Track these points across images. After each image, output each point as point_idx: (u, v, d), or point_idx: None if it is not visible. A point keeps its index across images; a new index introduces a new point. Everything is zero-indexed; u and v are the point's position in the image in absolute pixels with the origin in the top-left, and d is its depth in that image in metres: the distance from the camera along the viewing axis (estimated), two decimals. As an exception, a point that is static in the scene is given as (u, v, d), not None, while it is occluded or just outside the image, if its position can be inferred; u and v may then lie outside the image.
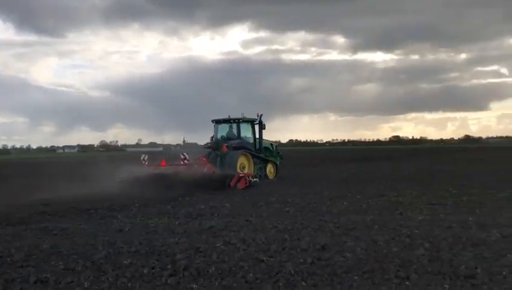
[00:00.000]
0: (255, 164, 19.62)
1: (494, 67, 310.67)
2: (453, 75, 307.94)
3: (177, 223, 9.57)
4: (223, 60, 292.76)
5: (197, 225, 9.31)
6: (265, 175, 20.33)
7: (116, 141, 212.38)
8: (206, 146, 20.02)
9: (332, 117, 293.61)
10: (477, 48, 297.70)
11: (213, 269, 6.02)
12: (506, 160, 36.62)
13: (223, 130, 20.44)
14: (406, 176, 21.24)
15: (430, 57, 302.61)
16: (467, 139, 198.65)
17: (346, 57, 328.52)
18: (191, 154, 18.02)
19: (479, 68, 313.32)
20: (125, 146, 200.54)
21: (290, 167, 27.98)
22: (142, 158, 18.33)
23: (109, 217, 10.59)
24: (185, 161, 17.44)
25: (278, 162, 21.84)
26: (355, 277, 5.62)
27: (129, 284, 5.56)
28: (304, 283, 5.45)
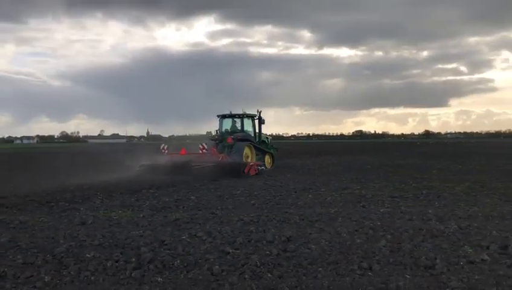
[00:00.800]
0: (256, 154, 21.59)
1: (454, 65, 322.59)
2: (414, 71, 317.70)
3: (141, 215, 9.43)
4: (189, 52, 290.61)
5: (162, 217, 9.21)
6: (264, 165, 21.74)
7: (78, 132, 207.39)
8: (213, 138, 21.79)
9: (297, 111, 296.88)
10: (438, 46, 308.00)
11: (178, 261, 5.97)
12: (463, 155, 37.98)
13: (227, 124, 22.53)
14: (369, 170, 21.69)
15: (394, 53, 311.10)
16: (427, 134, 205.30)
17: (313, 51, 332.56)
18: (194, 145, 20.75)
19: (440, 65, 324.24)
20: (86, 137, 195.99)
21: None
22: (162, 147, 20.64)
23: (71, 209, 10.30)
24: (204, 151, 19.69)
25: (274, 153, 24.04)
26: (320, 268, 5.71)
27: (92, 278, 5.44)
28: (269, 275, 5.49)
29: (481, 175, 18.04)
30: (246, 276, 5.46)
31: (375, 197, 11.93)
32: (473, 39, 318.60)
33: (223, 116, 22.52)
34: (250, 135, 22.23)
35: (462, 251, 6.43)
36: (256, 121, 22.59)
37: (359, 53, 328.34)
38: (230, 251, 6.49)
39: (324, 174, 19.12)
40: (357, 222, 8.53)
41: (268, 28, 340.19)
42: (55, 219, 9.10)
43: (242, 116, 22.39)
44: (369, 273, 5.55)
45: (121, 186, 14.40)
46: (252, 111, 22.90)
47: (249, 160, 20.25)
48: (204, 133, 22.66)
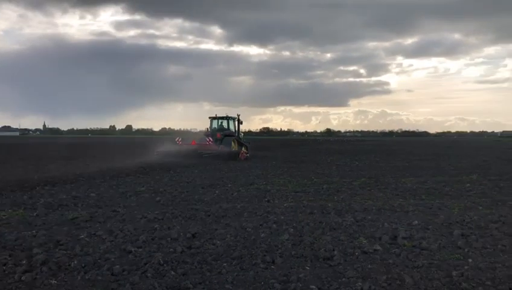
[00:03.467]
0: (238, 146, 28.56)
1: (354, 68, 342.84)
2: (318, 72, 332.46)
3: (34, 214, 8.74)
4: (93, 41, 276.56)
5: (58, 216, 8.62)
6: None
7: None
8: (206, 134, 28.45)
9: (207, 106, 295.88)
10: (341, 49, 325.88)
11: (75, 262, 5.63)
12: (360, 152, 40.58)
13: (215, 124, 29.75)
14: (274, 166, 22.28)
15: (300, 54, 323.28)
16: (328, 132, 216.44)
17: (223, 48, 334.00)
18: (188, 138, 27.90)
19: (342, 68, 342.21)
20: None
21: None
22: (176, 139, 27.46)
23: (-50, 209, 9.23)
24: (210, 142, 26.45)
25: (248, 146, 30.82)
26: (225, 264, 5.73)
27: (-26, 285, 4.92)
28: (173, 272, 5.38)
29: (375, 171, 19.41)
30: (149, 274, 5.30)
31: (280, 192, 12.28)
32: (371, 44, 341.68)
33: (213, 118, 29.90)
34: (232, 132, 29.36)
35: (358, 242, 6.85)
36: (236, 122, 29.86)
37: (268, 52, 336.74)
38: (133, 249, 6.26)
39: (231, 170, 19.27)
40: (262, 217, 8.71)
41: (179, 21, 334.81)
42: None
43: (227, 118, 29.77)
44: (272, 267, 5.68)
45: (12, 183, 13.25)
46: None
47: (234, 150, 27.30)
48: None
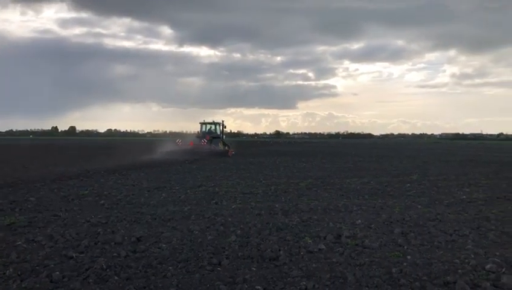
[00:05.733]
0: (223, 146, 34.80)
1: (304, 71, 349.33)
2: (268, 75, 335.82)
3: (-34, 221, 8.23)
4: (35, 39, 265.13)
5: (-7, 222, 8.16)
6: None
7: None
8: (197, 136, 34.61)
9: (155, 108, 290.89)
10: (291, 52, 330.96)
11: (11, 270, 5.37)
12: (307, 153, 41.34)
13: (204, 128, 35.85)
14: (223, 168, 22.24)
15: (250, 56, 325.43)
16: (277, 133, 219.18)
17: (173, 48, 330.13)
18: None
19: (291, 70, 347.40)
20: None
21: (107, 159, 26.75)
22: (177, 141, 33.95)
23: None
24: (205, 143, 32.25)
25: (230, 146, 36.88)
26: (170, 267, 5.65)
27: None
28: (116, 277, 5.25)
29: (322, 172, 19.85)
30: (90, 280, 5.14)
31: (228, 193, 12.28)
32: (320, 48, 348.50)
33: (203, 123, 36.23)
34: (218, 135, 35.51)
35: (303, 242, 6.97)
36: (221, 127, 35.84)
37: (218, 53, 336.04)
38: (74, 255, 6.06)
39: (179, 172, 19.05)
40: (210, 219, 8.67)
41: (127, 20, 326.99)
42: None
43: (214, 124, 36.19)
44: (218, 269, 5.67)
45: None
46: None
47: (222, 149, 33.58)
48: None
